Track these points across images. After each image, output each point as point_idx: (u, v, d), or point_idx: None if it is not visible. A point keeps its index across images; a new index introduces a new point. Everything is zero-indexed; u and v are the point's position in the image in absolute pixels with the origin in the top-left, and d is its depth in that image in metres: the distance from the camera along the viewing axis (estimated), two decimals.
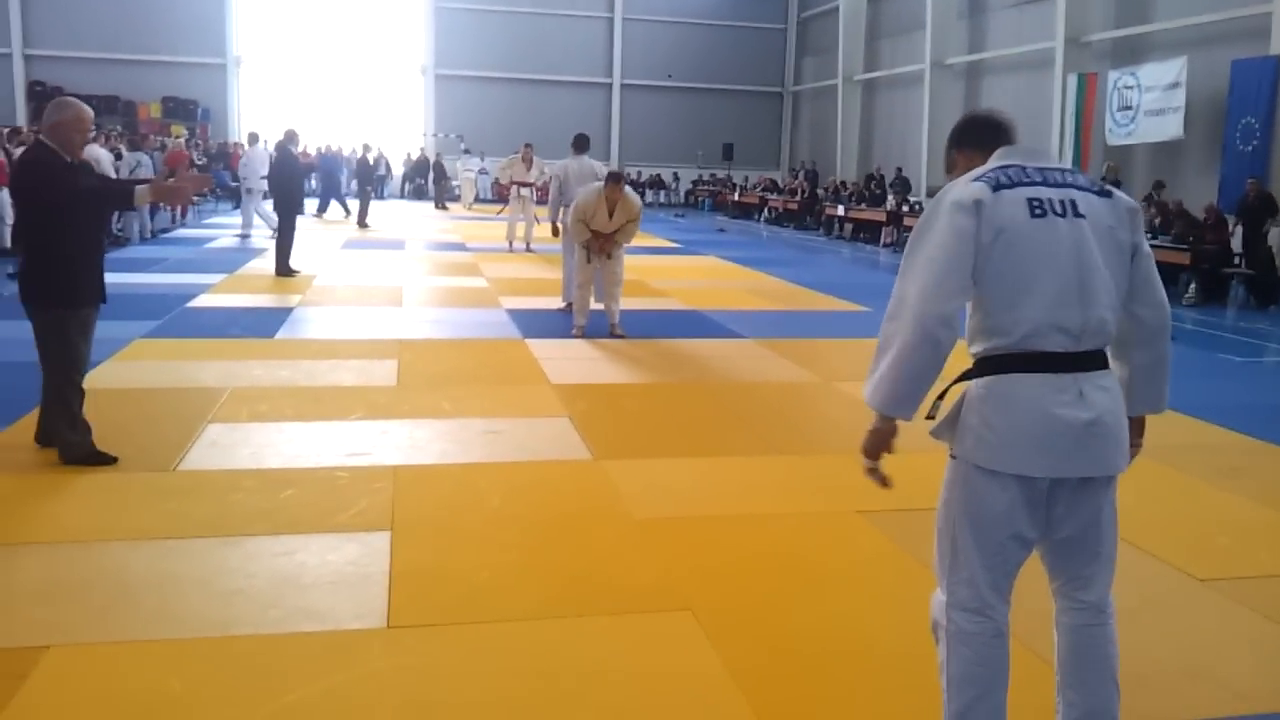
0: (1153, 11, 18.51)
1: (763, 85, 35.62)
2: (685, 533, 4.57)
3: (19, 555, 4.13)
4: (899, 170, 24.63)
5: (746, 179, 32.41)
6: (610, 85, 34.76)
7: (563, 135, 22.56)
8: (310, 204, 20.91)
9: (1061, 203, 2.51)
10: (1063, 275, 2.47)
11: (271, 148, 14.88)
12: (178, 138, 23.08)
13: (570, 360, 8.29)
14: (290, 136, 13.53)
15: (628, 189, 9.24)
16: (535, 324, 9.93)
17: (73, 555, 4.14)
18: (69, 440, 5.16)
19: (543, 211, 17.45)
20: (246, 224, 18.19)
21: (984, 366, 2.55)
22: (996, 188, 2.50)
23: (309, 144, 28.71)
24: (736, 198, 31.48)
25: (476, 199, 30.38)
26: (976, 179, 2.55)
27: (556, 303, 10.89)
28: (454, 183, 31.06)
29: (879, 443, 2.60)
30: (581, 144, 11.21)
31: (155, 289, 11.35)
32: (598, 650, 3.49)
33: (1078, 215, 2.51)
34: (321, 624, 3.60)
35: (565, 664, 3.38)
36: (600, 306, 9.48)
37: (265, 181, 17.18)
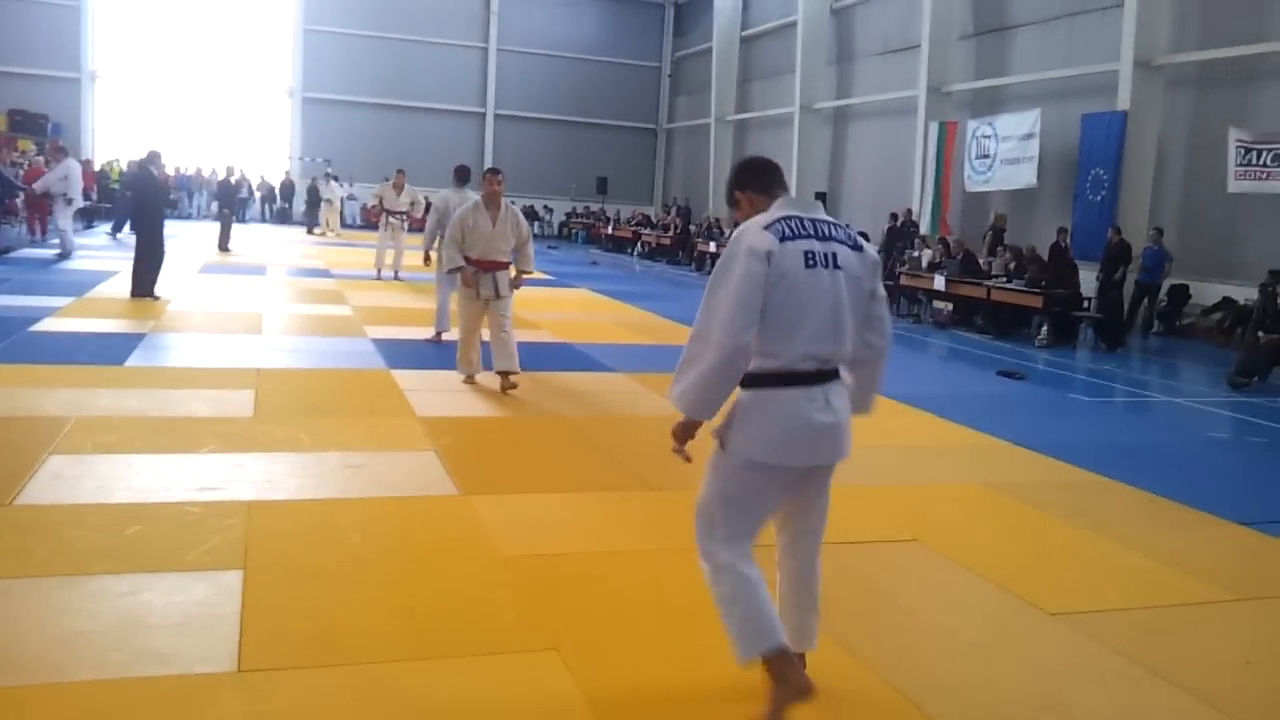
0: (1010, 65, 19.41)
1: (637, 121, 36.03)
2: (552, 569, 4.49)
3: None
4: None
5: (620, 213, 32.64)
6: (484, 115, 34.63)
7: (435, 163, 22.40)
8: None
9: (826, 255, 3.15)
10: (822, 316, 3.13)
11: (127, 166, 14.30)
12: (23, 152, 21.91)
13: (437, 392, 8.14)
14: (152, 157, 13.05)
15: (513, 206, 8.31)
16: (402, 354, 9.73)
17: None
18: None
19: (413, 240, 17.35)
20: (66, 241, 17.36)
21: (753, 381, 3.18)
22: (783, 239, 3.10)
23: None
24: (610, 231, 31.65)
25: (342, 225, 29.80)
26: (767, 228, 3.14)
27: (426, 333, 10.69)
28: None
29: (687, 433, 3.28)
30: (463, 175, 11.06)
31: None
32: (462, 692, 3.38)
33: (837, 267, 3.17)
34: (168, 667, 3.40)
35: (428, 707, 3.27)
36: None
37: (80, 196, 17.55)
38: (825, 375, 3.21)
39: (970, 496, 6.13)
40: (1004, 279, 15.43)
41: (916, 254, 17.94)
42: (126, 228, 22.29)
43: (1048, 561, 5.06)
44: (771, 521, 3.43)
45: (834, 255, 3.17)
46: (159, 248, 12.64)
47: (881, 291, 3.40)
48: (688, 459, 3.32)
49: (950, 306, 15.77)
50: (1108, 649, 4.01)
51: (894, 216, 20.40)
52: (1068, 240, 15.39)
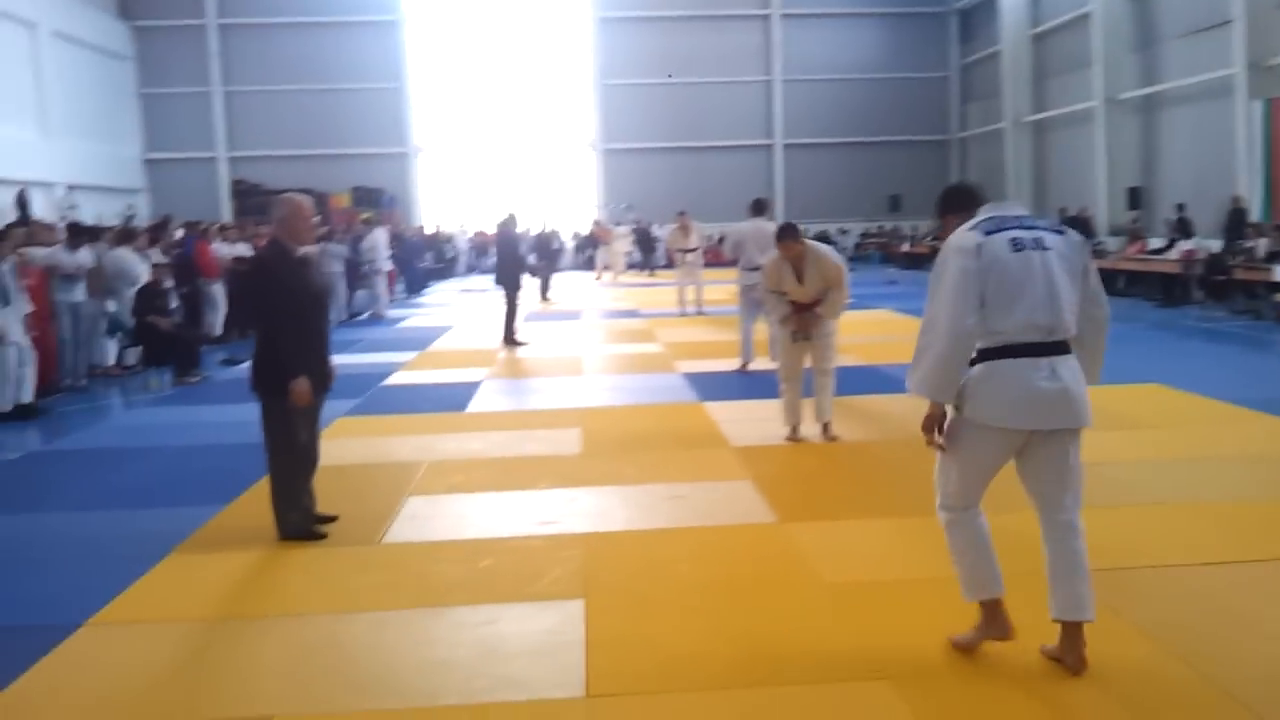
0: None
1: (927, 134, 35.12)
2: (877, 597, 4.49)
3: (240, 628, 4.40)
4: (1082, 211, 23.69)
5: (915, 229, 31.89)
6: (771, 146, 34.93)
7: (727, 198, 22.86)
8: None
9: (1032, 240, 3.61)
10: (1036, 291, 3.54)
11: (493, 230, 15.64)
12: (365, 219, 24.33)
13: (749, 422, 8.29)
14: (510, 219, 14.33)
15: (819, 246, 7.64)
16: (712, 386, 10.00)
17: (289, 628, 4.38)
18: (285, 517, 5.49)
19: (708, 275, 17.79)
20: (381, 304, 19.02)
21: (985, 355, 3.64)
22: (987, 234, 3.61)
23: (488, 225, 30.01)
24: (907, 248, 30.98)
25: (630, 266, 30.64)
26: (971, 229, 3.65)
27: (733, 364, 10.93)
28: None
29: (933, 422, 3.75)
30: (759, 207, 11.20)
31: (354, 369, 11.92)
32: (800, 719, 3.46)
33: (1044, 249, 3.60)
34: (524, 693, 3.69)
35: None
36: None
37: (389, 262, 19.33)
38: (1050, 347, 3.58)
39: None
40: None
41: (1250, 244, 16.41)
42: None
43: None
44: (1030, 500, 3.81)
45: (1039, 239, 3.61)
46: (516, 299, 13.91)
47: (1093, 267, 3.78)
48: (942, 449, 3.78)
49: None
50: None
51: (1235, 200, 18.80)
52: None
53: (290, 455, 5.46)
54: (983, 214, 3.73)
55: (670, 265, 22.87)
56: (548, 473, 6.79)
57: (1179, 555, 4.90)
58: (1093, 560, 4.42)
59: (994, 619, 3.79)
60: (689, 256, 17.31)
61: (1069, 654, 3.65)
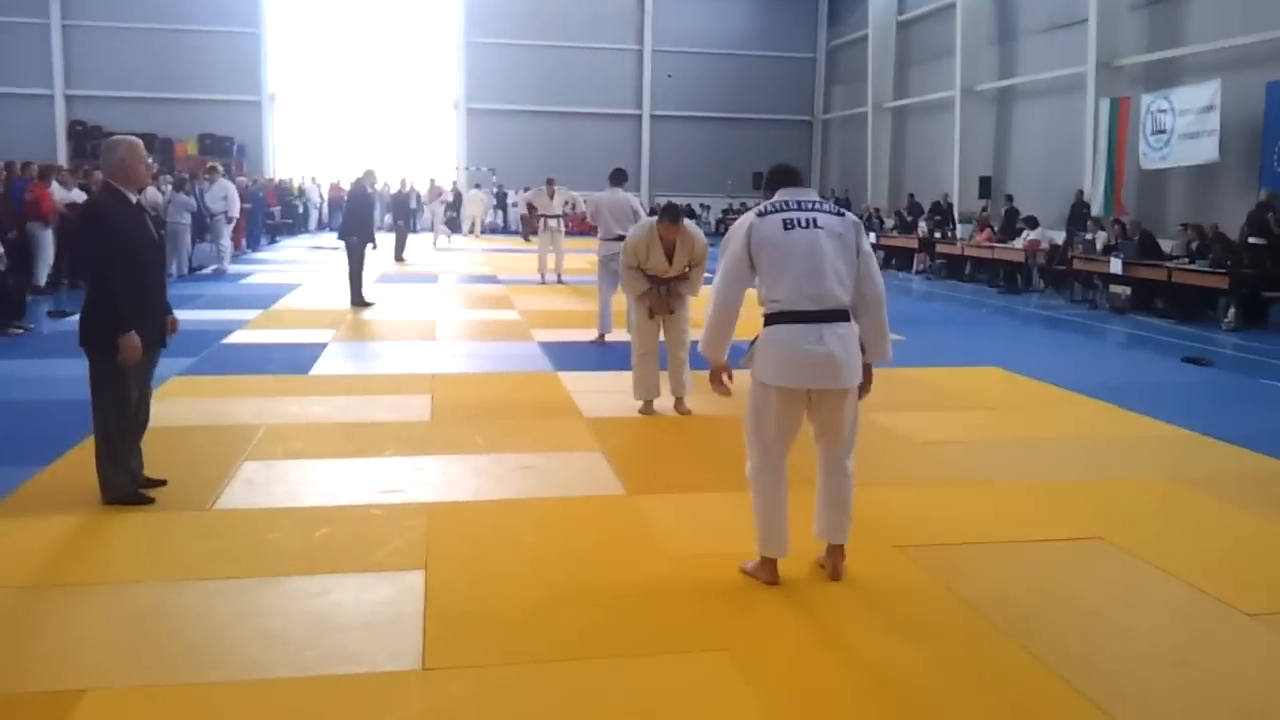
0: (1185, 35, 18.37)
1: (792, 114, 35.66)
2: (720, 570, 4.51)
3: (58, 596, 4.15)
4: (945, 198, 24.42)
5: None
6: (640, 116, 34.93)
7: (593, 166, 22.74)
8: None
9: (804, 220, 4.15)
10: (803, 263, 4.08)
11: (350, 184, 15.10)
12: (211, 168, 23.18)
13: (602, 394, 8.27)
14: (368, 176, 13.94)
15: (690, 224, 7.47)
16: (568, 356, 9.94)
17: (111, 596, 4.16)
18: (111, 481, 5.20)
19: (571, 243, 17.72)
20: (224, 258, 18.31)
21: (766, 321, 4.18)
22: (761, 215, 4.20)
23: (343, 179, 29.23)
24: None
25: (485, 229, 31.50)
26: (753, 211, 4.26)
27: (590, 334, 10.89)
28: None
29: (715, 374, 4.41)
30: (618, 178, 11.18)
31: (192, 325, 11.38)
32: (636, 691, 3.45)
33: (817, 227, 4.13)
34: (358, 666, 3.58)
35: (604, 706, 3.35)
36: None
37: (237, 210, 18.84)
38: (819, 315, 4.06)
39: (1157, 491, 5.86)
40: (1185, 260, 14.65)
41: (1090, 236, 17.20)
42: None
43: (1243, 558, 4.79)
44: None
45: (813, 220, 4.15)
46: (363, 258, 13.51)
47: (867, 248, 4.27)
48: (727, 394, 4.45)
49: (1129, 290, 15.07)
50: None
51: (1079, 193, 19.72)
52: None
53: (119, 415, 5.17)
54: (777, 196, 4.27)
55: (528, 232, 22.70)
56: (394, 440, 6.63)
57: (1006, 532, 5.09)
58: (925, 535, 5.04)
59: (768, 569, 4.34)
60: (551, 222, 17.16)
61: (830, 566, 4.41)
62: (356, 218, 13.59)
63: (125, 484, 5.22)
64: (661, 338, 7.65)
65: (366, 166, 14.26)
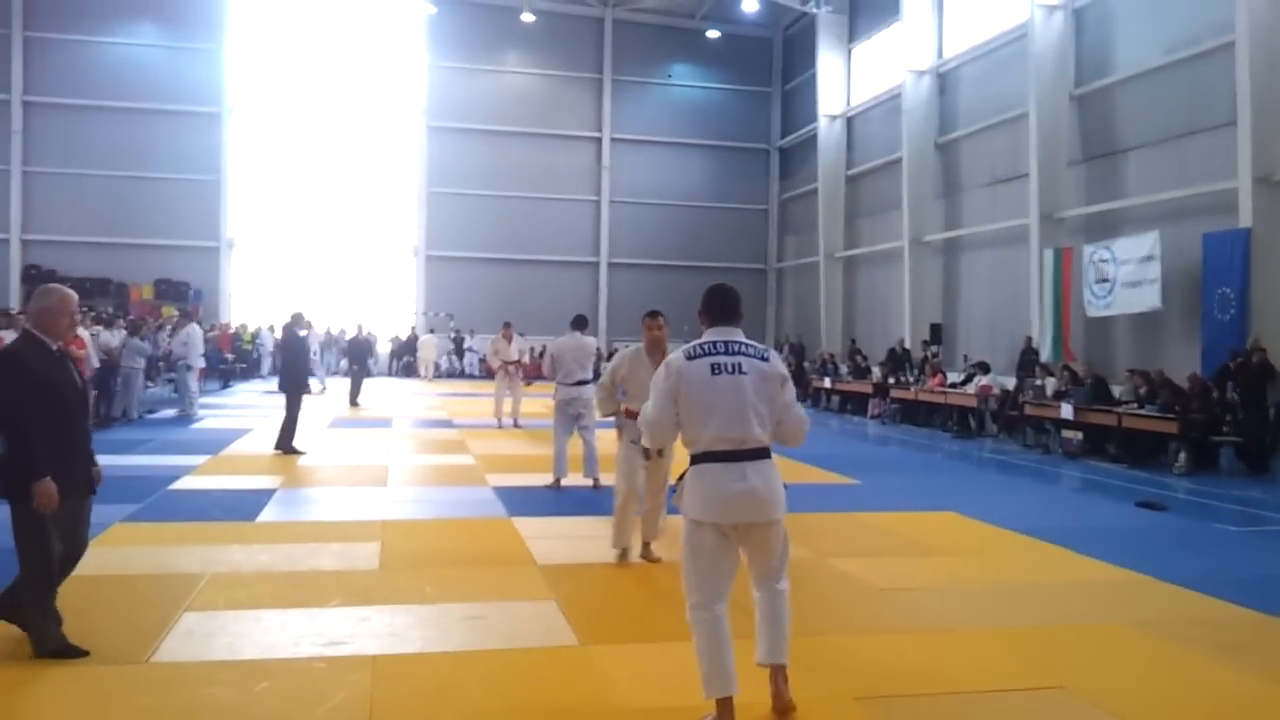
0: (1124, 188, 19.15)
1: (747, 262, 36.45)
2: None
3: None
4: (900, 344, 24.84)
5: None
6: (598, 264, 35.54)
7: (552, 312, 23.06)
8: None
9: (732, 365, 4.33)
10: (727, 408, 4.27)
11: (278, 331, 15.05)
12: (169, 317, 23.18)
13: (557, 540, 8.14)
14: (297, 319, 13.75)
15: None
16: (523, 502, 9.80)
17: None
18: (44, 632, 4.99)
19: (527, 388, 17.76)
20: (189, 402, 18.18)
21: (692, 460, 4.38)
22: (689, 359, 4.37)
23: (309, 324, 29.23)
24: None
25: (438, 373, 32.13)
26: (682, 351, 4.45)
27: (546, 479, 10.78)
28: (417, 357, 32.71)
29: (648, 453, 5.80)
30: (580, 323, 11.25)
31: (138, 471, 11.22)
32: None
33: (741, 373, 4.32)
34: None
35: None
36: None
37: (201, 359, 18.66)
38: (741, 454, 4.27)
39: (1114, 636, 5.80)
40: (1135, 405, 14.91)
41: (1040, 382, 17.50)
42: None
43: (1201, 707, 4.72)
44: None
45: (739, 365, 4.33)
46: (299, 405, 13.20)
47: (787, 388, 4.48)
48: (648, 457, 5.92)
49: (1080, 435, 15.26)
50: None
51: (1028, 340, 20.17)
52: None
53: (45, 564, 4.99)
54: (707, 336, 4.47)
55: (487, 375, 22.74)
56: (340, 589, 6.44)
57: (967, 682, 4.99)
58: (885, 686, 4.94)
59: (724, 713, 4.22)
60: (510, 368, 17.21)
61: (774, 691, 4.49)
62: (290, 363, 13.46)
63: (57, 634, 5.02)
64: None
65: (295, 310, 14.00)
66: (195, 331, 18.79)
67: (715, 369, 4.31)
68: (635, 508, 7.40)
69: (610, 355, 34.60)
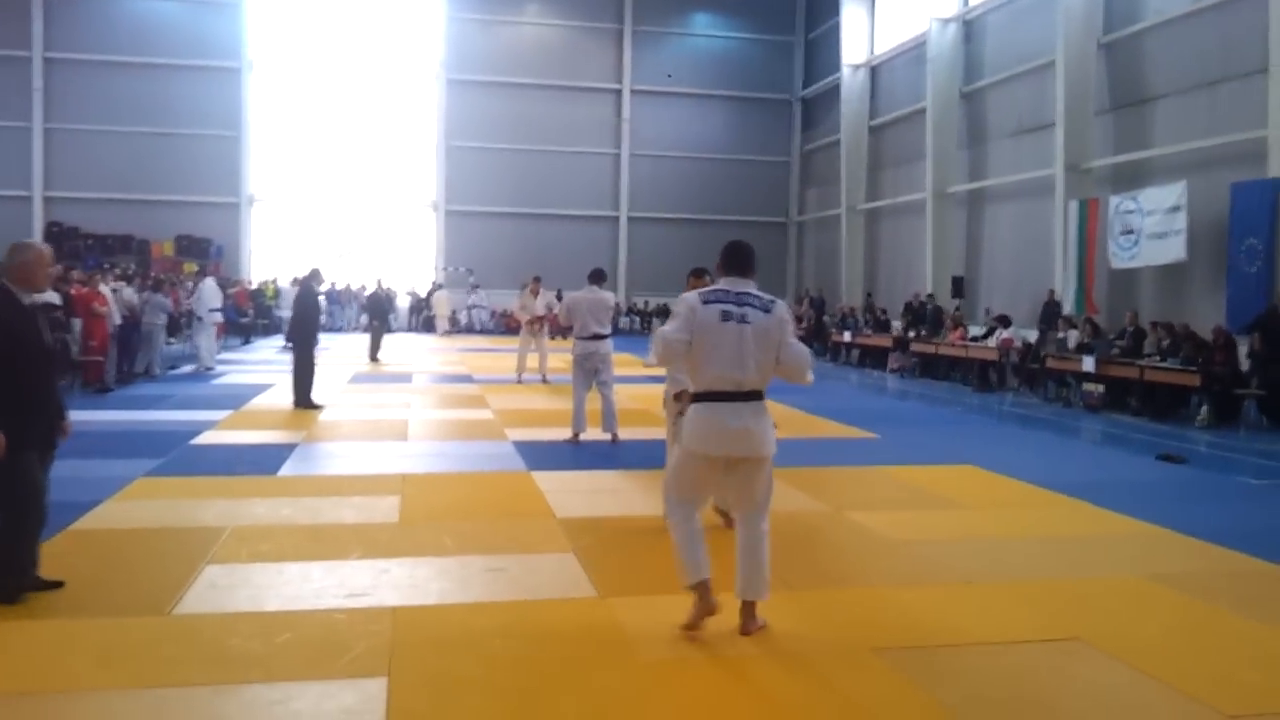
0: (1151, 138, 18.86)
1: (768, 215, 36.22)
2: (695, 674, 4.40)
3: (10, 706, 3.99)
4: (917, 297, 24.67)
5: None
6: (618, 218, 35.39)
7: (571, 267, 22.99)
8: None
9: (739, 314, 4.78)
10: (730, 353, 4.75)
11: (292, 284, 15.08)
12: (199, 272, 23.30)
13: (576, 493, 8.18)
14: (314, 274, 13.71)
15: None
16: (542, 456, 9.84)
17: (63, 706, 4.01)
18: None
19: (554, 343, 17.78)
20: (207, 357, 18.39)
21: (695, 397, 4.91)
22: (705, 302, 4.83)
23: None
24: None
25: (456, 328, 32.31)
26: (699, 293, 4.91)
27: (565, 434, 10.81)
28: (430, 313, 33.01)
29: (677, 400, 5.91)
30: (597, 276, 11.17)
31: (160, 426, 11.34)
32: None
33: (745, 322, 4.77)
34: None
35: None
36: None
37: (217, 314, 18.81)
38: (739, 395, 4.75)
39: (1134, 589, 5.80)
40: (1158, 358, 14.79)
41: (1062, 335, 17.38)
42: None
43: (1220, 658, 4.71)
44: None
45: (744, 315, 4.78)
46: (312, 361, 13.26)
47: (789, 339, 4.87)
48: (682, 413, 5.22)
49: (1101, 388, 15.17)
50: None
51: (1051, 293, 20.01)
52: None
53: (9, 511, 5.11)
54: (721, 283, 4.92)
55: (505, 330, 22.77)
56: (361, 542, 6.50)
57: (985, 633, 5.00)
58: (903, 638, 4.94)
59: (703, 599, 4.80)
60: (536, 324, 17.22)
61: (742, 623, 4.88)
62: (301, 319, 13.48)
63: (10, 585, 5.14)
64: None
65: (312, 265, 13.94)
66: (207, 285, 18.86)
67: (725, 316, 4.76)
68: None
69: (630, 310, 34.71)
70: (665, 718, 4.00)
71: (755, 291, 4.90)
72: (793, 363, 4.88)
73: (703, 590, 4.79)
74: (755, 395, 4.80)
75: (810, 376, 4.93)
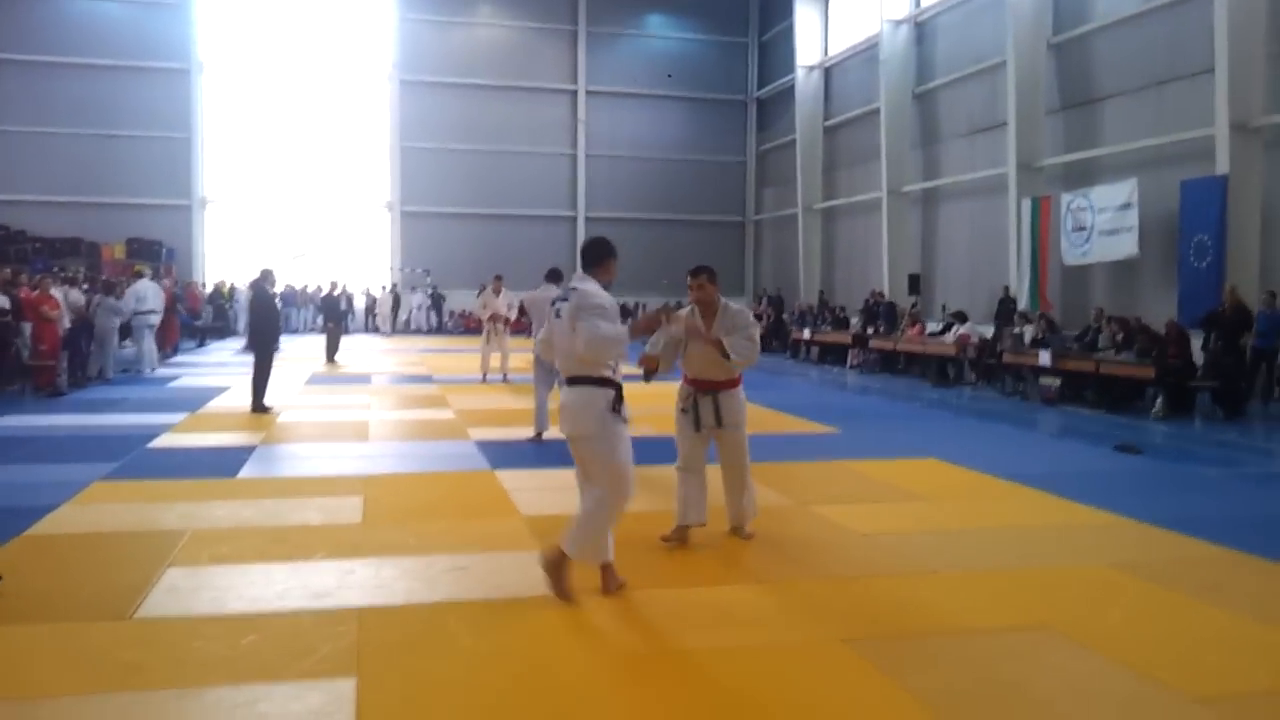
0: (1101, 136, 19.15)
1: (725, 215, 36.36)
2: (664, 669, 4.39)
3: None
4: (874, 294, 24.87)
5: None
6: (575, 218, 35.34)
7: (529, 267, 22.91)
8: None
9: (559, 308, 5.39)
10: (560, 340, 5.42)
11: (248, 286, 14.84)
12: (138, 274, 22.82)
13: (540, 491, 8.15)
14: (266, 276, 13.50)
15: (734, 307, 6.66)
16: (505, 455, 9.79)
17: (25, 713, 3.92)
18: None
19: (515, 342, 17.69)
20: (144, 360, 18.06)
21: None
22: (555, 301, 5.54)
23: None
24: None
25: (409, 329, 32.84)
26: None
27: (528, 433, 10.76)
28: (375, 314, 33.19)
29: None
30: (554, 276, 11.25)
31: (115, 430, 11.14)
32: None
33: (559, 316, 5.37)
34: None
35: None
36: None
37: (152, 316, 18.34)
38: (569, 380, 5.45)
39: (1097, 577, 5.87)
40: (1113, 352, 15.00)
41: (1018, 330, 17.57)
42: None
43: (1185, 643, 4.78)
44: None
45: (559, 309, 5.39)
46: (270, 363, 13.08)
47: (583, 320, 5.19)
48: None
49: (1058, 382, 15.36)
50: None
51: (1006, 289, 20.28)
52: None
53: None
54: (572, 281, 5.47)
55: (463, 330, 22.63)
56: (324, 543, 6.42)
57: (952, 623, 5.03)
58: (871, 628, 4.96)
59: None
60: (497, 324, 17.12)
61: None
62: (259, 321, 13.29)
63: None
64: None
65: (263, 267, 13.70)
66: (142, 287, 18.44)
67: (556, 311, 5.45)
68: (698, 483, 6.53)
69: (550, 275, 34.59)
70: (635, 713, 3.99)
71: (577, 286, 5.34)
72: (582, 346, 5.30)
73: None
74: (576, 378, 5.39)
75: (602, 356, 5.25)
